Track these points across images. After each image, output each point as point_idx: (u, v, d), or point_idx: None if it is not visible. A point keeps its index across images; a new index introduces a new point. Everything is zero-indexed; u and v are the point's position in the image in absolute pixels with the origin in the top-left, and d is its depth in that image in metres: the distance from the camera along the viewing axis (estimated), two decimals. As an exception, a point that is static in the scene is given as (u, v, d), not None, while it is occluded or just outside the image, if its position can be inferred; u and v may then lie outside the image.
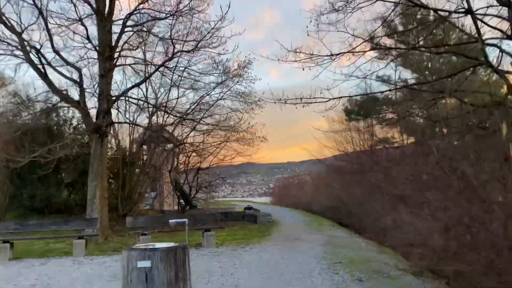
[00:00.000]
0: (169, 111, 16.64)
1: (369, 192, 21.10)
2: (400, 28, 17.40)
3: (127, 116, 17.09)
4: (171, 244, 4.18)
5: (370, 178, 20.01)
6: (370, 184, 21.59)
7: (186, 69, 15.40)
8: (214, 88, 18.29)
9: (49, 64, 13.17)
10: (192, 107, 17.47)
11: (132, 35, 15.19)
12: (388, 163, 22.75)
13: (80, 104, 12.98)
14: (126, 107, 17.02)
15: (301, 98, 11.10)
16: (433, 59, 19.11)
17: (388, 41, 20.13)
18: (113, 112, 17.04)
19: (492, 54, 12.51)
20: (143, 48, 15.65)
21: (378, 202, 19.46)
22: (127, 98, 15.38)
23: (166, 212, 22.76)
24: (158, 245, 4.25)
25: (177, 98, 17.39)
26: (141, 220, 11.93)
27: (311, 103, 10.93)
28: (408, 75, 25.59)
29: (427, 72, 20.47)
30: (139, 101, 16.00)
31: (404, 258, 11.03)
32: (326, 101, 11.00)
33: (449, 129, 12.65)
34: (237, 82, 17.69)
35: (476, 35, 10.80)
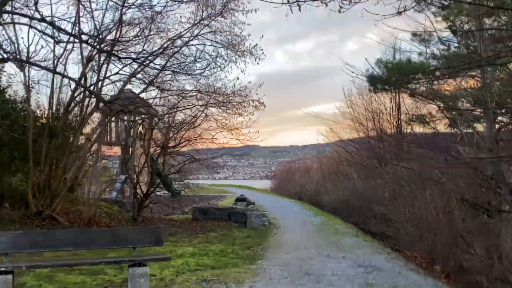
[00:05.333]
0: (117, 53, 10.53)
1: (408, 188, 15.05)
2: None
3: (46, 60, 11.01)
4: None
5: (417, 170, 13.94)
6: (408, 178, 15.52)
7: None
8: (190, 27, 12.12)
9: None
10: (154, 51, 11.33)
11: None
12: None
13: None
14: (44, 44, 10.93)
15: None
16: None
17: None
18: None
19: None
20: None
21: (426, 204, 13.43)
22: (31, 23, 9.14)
23: (126, 204, 16.88)
24: None
25: (121, 36, 10.96)
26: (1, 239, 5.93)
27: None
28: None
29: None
30: (59, 32, 9.74)
31: None
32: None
33: None
34: (221, 14, 11.52)
35: None
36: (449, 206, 12.64)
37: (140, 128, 19.13)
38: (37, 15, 9.51)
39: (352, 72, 13.56)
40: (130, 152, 22.63)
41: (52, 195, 10.96)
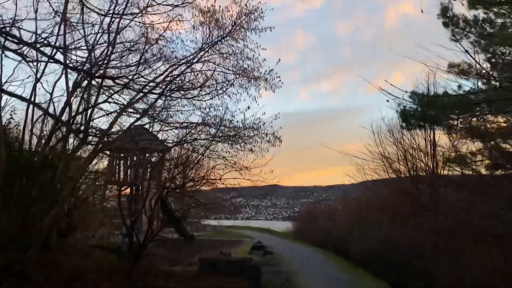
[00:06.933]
0: (106, 76, 8.95)
1: (457, 241, 12.57)
2: None
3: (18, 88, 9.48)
4: None
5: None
6: (456, 228, 13.06)
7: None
8: (198, 51, 10.50)
9: None
10: (155, 77, 9.73)
11: None
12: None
13: None
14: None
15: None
16: None
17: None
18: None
19: None
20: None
21: (480, 262, 10.93)
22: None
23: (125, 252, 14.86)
24: None
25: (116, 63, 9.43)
26: None
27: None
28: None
29: None
30: (41, 54, 8.17)
31: None
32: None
33: None
34: (230, 32, 9.88)
35: None
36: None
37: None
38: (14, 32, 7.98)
39: (387, 100, 11.48)
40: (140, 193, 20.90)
41: (25, 245, 9.11)
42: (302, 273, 14.13)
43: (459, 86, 16.55)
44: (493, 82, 17.23)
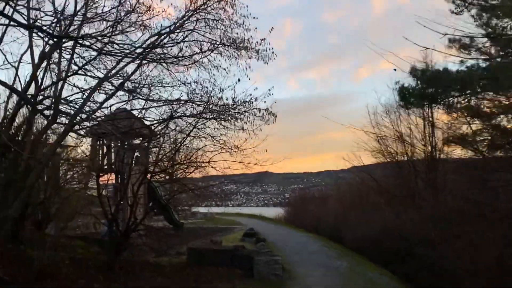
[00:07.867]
0: (79, 39, 7.77)
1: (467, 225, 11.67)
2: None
3: None
4: None
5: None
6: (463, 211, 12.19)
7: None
8: (179, 19, 9.29)
9: None
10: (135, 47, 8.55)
11: None
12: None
13: None
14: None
15: None
16: None
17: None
18: None
19: None
20: None
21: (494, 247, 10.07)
22: None
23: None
24: None
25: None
26: None
27: None
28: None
29: None
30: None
31: None
32: None
33: None
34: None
35: None
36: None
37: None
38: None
39: (394, 69, 10.56)
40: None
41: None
42: (297, 262, 13.22)
43: (461, 61, 15.51)
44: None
